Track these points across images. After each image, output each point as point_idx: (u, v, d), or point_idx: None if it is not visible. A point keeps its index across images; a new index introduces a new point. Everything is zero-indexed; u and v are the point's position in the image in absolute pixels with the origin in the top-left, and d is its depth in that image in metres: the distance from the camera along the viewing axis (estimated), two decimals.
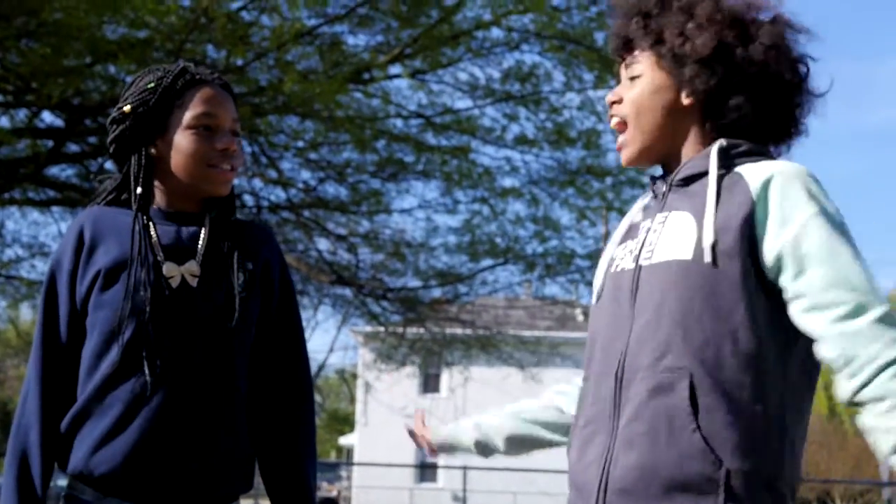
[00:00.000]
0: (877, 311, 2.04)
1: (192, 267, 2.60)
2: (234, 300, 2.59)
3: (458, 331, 19.22)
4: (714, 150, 2.25)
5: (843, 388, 2.06)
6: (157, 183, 2.69)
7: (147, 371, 2.48)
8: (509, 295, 26.38)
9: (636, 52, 2.39)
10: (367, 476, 35.17)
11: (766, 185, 2.16)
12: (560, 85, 14.63)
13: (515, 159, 15.51)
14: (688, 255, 2.18)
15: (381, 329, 19.64)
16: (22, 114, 14.25)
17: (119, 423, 2.48)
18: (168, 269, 2.58)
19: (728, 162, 2.25)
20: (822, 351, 2.08)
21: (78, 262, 2.59)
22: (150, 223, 2.63)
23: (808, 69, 2.34)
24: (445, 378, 36.89)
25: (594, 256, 16.49)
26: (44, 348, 2.61)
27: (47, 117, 14.51)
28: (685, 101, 2.32)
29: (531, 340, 22.76)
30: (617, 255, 2.40)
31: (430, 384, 38.43)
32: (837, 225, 2.13)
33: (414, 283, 17.34)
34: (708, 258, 2.14)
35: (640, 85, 2.37)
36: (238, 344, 2.60)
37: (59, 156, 14.19)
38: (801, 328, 2.12)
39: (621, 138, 2.42)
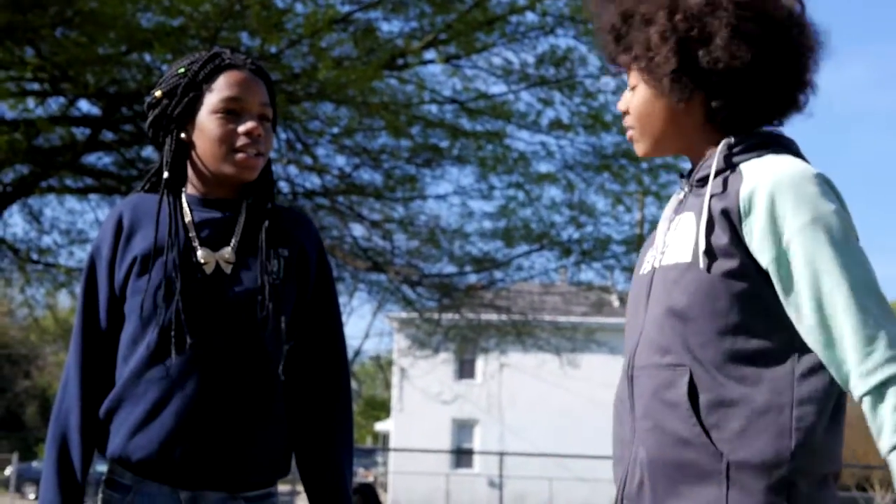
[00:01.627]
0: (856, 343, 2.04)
1: (227, 253, 2.61)
2: (266, 287, 2.58)
3: (494, 317, 19.21)
4: (717, 150, 2.27)
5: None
6: (191, 169, 2.70)
7: (174, 356, 2.49)
8: (545, 281, 26.34)
9: (619, 63, 2.43)
10: (404, 461, 35.28)
11: (751, 194, 2.15)
12: (595, 69, 14.54)
13: (550, 144, 15.46)
14: (687, 257, 2.23)
15: (417, 315, 19.67)
16: (58, 102, 14.33)
17: (154, 409, 2.50)
18: (202, 254, 2.59)
19: (735, 160, 2.26)
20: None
21: (116, 249, 2.62)
22: (186, 208, 2.65)
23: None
24: (481, 364, 36.95)
25: (630, 242, 16.45)
26: (83, 334, 2.63)
27: (84, 106, 14.59)
28: (679, 106, 2.33)
29: (567, 326, 22.74)
30: (646, 258, 2.44)
31: (465, 370, 38.48)
32: (829, 235, 2.09)
33: (449, 269, 17.35)
34: (702, 263, 2.17)
35: (636, 95, 2.39)
36: (272, 331, 2.59)
37: (95, 144, 14.26)
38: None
39: (630, 135, 2.46)
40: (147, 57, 12.43)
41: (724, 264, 2.17)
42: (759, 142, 2.27)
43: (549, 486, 29.79)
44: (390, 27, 14.69)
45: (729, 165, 2.24)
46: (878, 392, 2.01)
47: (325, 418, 2.72)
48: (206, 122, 2.62)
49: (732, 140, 2.26)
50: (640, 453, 2.23)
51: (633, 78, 2.38)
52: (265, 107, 2.67)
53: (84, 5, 11.09)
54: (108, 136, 14.52)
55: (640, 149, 2.44)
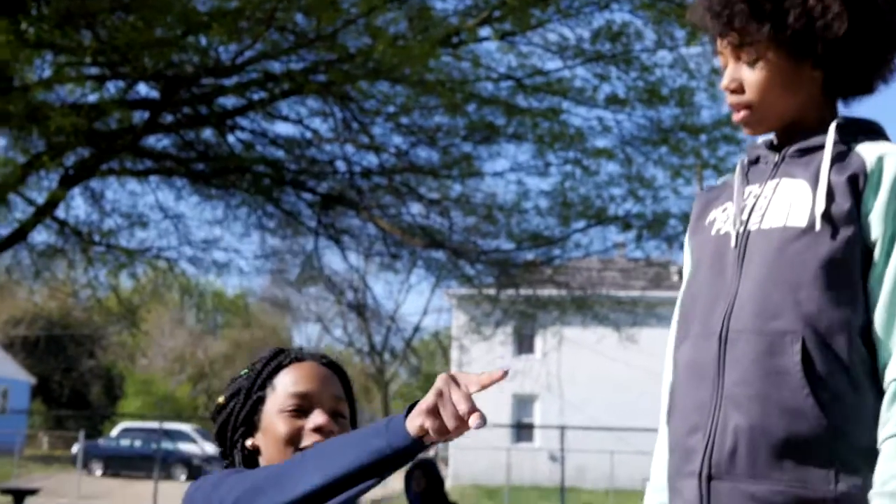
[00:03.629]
0: None
1: None
2: None
3: (553, 292, 19.16)
4: (832, 126, 2.22)
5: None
6: None
7: None
8: (603, 256, 26.25)
9: (746, 33, 2.29)
10: (464, 437, 35.30)
11: (880, 161, 2.13)
12: (651, 43, 14.44)
13: (607, 119, 15.38)
14: (802, 222, 2.16)
15: (475, 291, 19.67)
16: (117, 86, 14.47)
17: None
18: None
19: (846, 138, 2.22)
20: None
21: None
22: None
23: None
24: (539, 340, 36.90)
25: (689, 216, 16.30)
26: None
27: (142, 89, 14.73)
28: (812, 74, 2.27)
29: (626, 301, 22.64)
30: (717, 218, 2.37)
31: (524, 346, 38.47)
32: None
33: (507, 245, 17.31)
34: (819, 226, 2.12)
35: (762, 70, 2.29)
36: None
37: (154, 126, 14.40)
38: None
39: (743, 115, 2.34)
40: (203, 39, 12.51)
41: (842, 232, 2.12)
42: (866, 125, 2.27)
43: (609, 460, 29.75)
44: (444, 5, 14.73)
45: (843, 142, 2.21)
46: None
47: None
48: (272, 423, 2.34)
49: (843, 120, 2.25)
50: (733, 420, 2.13)
51: (757, 50, 2.28)
52: (339, 401, 2.39)
53: None
54: (167, 118, 14.65)
55: (755, 123, 2.34)
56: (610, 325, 20.35)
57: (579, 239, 16.98)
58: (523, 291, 18.68)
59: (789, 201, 2.21)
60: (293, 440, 2.30)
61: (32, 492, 18.95)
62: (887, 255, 2.10)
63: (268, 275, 22.15)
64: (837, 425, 2.06)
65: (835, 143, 2.21)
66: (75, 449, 32.24)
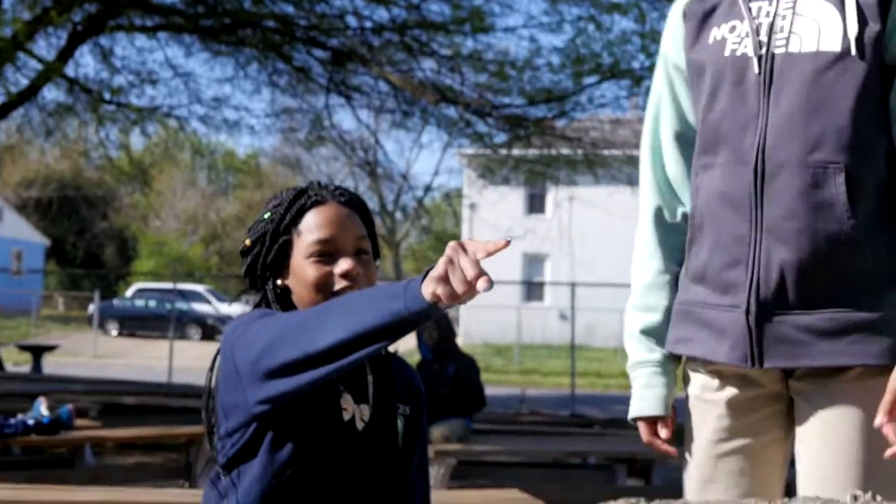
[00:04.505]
0: None
1: (365, 411, 2.48)
2: (396, 452, 2.51)
3: (565, 151, 19.08)
4: None
5: None
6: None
7: None
8: (615, 114, 26.06)
9: None
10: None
11: None
12: None
13: None
14: (836, 46, 2.11)
15: (488, 151, 19.60)
16: None
17: None
18: (345, 402, 2.45)
19: None
20: None
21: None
22: None
23: None
24: (550, 198, 36.93)
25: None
26: None
27: None
28: None
29: (638, 157, 22.53)
30: (727, 38, 2.28)
31: (535, 205, 38.51)
32: None
33: (518, 102, 17.18)
34: (854, 51, 2.08)
35: None
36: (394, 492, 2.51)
37: None
38: None
39: None
40: None
41: (875, 56, 2.08)
42: None
43: (619, 318, 30.01)
44: None
45: None
46: None
47: None
48: (300, 267, 2.46)
49: None
50: (779, 254, 2.13)
51: None
52: (362, 240, 2.50)
53: None
54: None
55: None
56: (622, 179, 20.30)
57: (592, 94, 16.84)
58: (534, 151, 18.62)
59: (817, 22, 2.13)
60: (323, 286, 2.43)
61: (51, 348, 19.25)
62: None
63: (279, 134, 22.05)
64: (881, 250, 2.08)
65: None
66: (91, 309, 32.63)
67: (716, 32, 2.32)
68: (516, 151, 19.11)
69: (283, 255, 2.49)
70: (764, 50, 2.21)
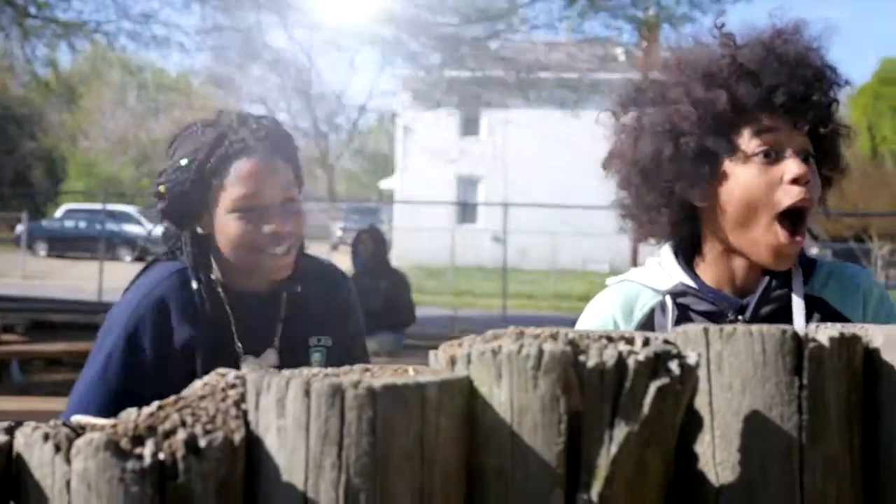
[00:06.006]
0: None
1: (271, 358, 2.42)
2: None
3: (499, 73, 19.02)
4: None
5: None
6: (215, 261, 2.43)
7: None
8: (549, 37, 25.99)
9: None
10: (408, 218, 35.61)
11: None
12: None
13: None
14: None
15: (423, 73, 19.50)
16: None
17: None
18: (245, 366, 2.34)
19: None
20: None
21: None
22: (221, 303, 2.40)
23: None
24: (485, 121, 36.87)
25: None
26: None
27: None
28: None
29: (571, 81, 22.54)
30: None
31: (469, 127, 38.43)
32: None
33: (454, 20, 17.05)
34: None
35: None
36: None
37: None
38: None
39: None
40: None
41: None
42: None
43: (551, 241, 30.17)
44: None
45: None
46: None
47: None
48: (223, 222, 2.33)
49: None
50: None
51: None
52: (289, 189, 2.36)
53: None
54: None
55: None
56: (555, 103, 20.33)
57: (525, 13, 16.79)
58: (468, 73, 18.56)
59: None
60: (248, 244, 2.32)
61: None
62: None
63: (210, 52, 21.69)
64: None
65: None
66: (19, 229, 32.18)
67: None
68: (450, 73, 19.02)
69: (202, 205, 2.36)
70: None
